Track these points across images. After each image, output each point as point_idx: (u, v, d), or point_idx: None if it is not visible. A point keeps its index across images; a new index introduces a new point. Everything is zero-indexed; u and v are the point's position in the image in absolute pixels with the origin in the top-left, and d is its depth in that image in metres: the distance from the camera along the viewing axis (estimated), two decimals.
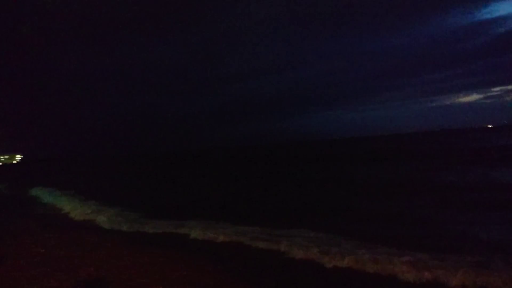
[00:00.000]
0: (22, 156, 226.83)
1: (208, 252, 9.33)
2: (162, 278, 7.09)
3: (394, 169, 28.62)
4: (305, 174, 31.49)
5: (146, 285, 6.74)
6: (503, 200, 13.92)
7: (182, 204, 18.82)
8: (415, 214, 12.70)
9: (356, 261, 7.61)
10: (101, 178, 46.60)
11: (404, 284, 6.65)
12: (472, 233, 9.83)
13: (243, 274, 7.47)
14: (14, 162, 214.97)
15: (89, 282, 6.90)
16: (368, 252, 8.06)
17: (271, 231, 10.87)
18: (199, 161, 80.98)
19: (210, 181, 32.61)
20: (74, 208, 17.87)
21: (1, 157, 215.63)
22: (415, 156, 41.74)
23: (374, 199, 16.32)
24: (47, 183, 33.20)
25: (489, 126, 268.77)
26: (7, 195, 27.91)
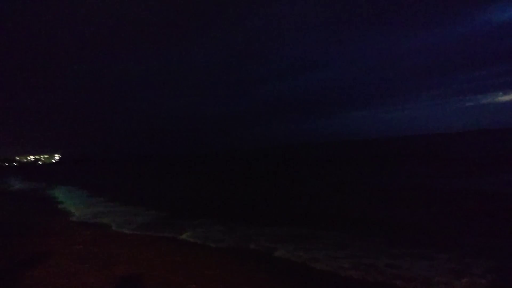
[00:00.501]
0: (60, 156, 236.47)
1: (238, 252, 9.49)
2: (195, 276, 7.22)
3: (422, 173, 27.56)
4: (329, 176, 31.11)
5: (179, 283, 6.87)
6: None
7: (205, 204, 19.21)
8: (431, 222, 12.12)
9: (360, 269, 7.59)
10: (131, 179, 47.96)
11: None
12: (485, 242, 9.48)
13: (274, 274, 7.54)
14: (53, 161, 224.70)
15: (125, 279, 7.16)
16: (379, 258, 8.09)
17: (292, 232, 11.10)
18: (229, 162, 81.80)
19: (236, 182, 32.96)
20: (102, 207, 18.71)
21: (41, 156, 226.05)
22: (448, 159, 40.25)
23: (391, 205, 15.77)
24: (78, 183, 34.61)
25: None
26: (44, 195, 29.20)
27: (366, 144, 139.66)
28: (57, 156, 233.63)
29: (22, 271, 7.68)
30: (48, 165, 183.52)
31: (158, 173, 55.80)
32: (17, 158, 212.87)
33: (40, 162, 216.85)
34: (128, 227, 13.60)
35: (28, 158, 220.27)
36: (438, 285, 6.59)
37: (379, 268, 7.52)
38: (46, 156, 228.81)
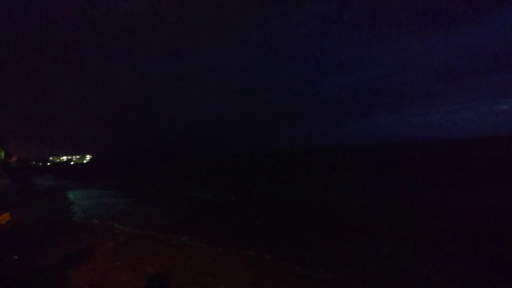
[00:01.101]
0: (91, 156, 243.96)
1: (272, 253, 9.60)
2: (224, 277, 7.37)
3: (444, 182, 25.92)
4: (347, 183, 30.65)
5: (208, 283, 7.04)
6: None
7: (229, 207, 19.40)
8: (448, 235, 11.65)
9: None
10: (158, 180, 48.92)
11: None
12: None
13: (307, 276, 7.62)
14: (84, 162, 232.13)
15: (155, 277, 7.37)
16: None
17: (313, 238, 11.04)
18: (254, 164, 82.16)
19: (260, 184, 33.19)
20: (129, 208, 19.23)
21: (73, 157, 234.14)
22: (475, 165, 38.10)
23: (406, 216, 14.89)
24: (106, 184, 35.72)
25: None
26: (73, 195, 30.18)
27: (393, 148, 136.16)
28: (88, 157, 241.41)
29: (65, 268, 8.05)
30: (79, 165, 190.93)
31: (185, 174, 56.63)
32: (51, 158, 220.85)
33: (72, 163, 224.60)
34: (156, 228, 13.95)
35: (61, 158, 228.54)
36: None
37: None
38: (78, 156, 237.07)
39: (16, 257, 8.98)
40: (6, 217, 14.09)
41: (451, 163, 42.97)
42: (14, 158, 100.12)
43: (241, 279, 7.32)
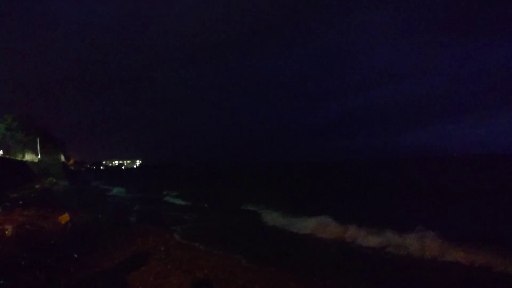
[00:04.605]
0: (141, 161, 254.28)
1: (318, 268, 9.54)
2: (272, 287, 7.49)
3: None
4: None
5: None
6: None
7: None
8: None
9: None
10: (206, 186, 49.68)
11: None
12: None
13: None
14: (135, 166, 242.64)
15: (205, 283, 7.55)
16: None
17: None
18: (310, 173, 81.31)
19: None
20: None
21: (125, 161, 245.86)
22: None
23: None
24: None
25: None
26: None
27: (453, 161, 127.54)
28: (138, 162, 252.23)
29: (120, 269, 8.40)
30: (130, 169, 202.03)
31: (230, 183, 57.35)
32: (104, 162, 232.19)
33: (123, 167, 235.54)
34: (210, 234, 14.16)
35: (113, 162, 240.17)
36: None
37: None
38: (128, 161, 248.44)
39: (76, 256, 9.50)
40: (65, 217, 14.88)
41: None
42: (72, 161, 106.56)
43: None
